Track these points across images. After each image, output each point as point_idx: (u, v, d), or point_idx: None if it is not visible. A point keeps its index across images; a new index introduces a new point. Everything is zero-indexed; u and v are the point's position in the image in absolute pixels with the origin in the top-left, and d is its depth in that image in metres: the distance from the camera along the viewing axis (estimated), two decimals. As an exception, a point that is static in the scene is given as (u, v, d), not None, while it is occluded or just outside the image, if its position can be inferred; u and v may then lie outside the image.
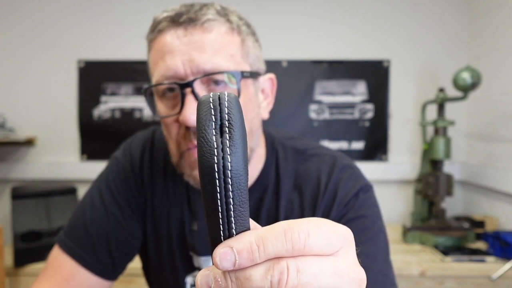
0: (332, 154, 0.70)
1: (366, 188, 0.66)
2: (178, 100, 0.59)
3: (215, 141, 0.23)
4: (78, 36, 1.82)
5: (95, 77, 1.82)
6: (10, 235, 1.44)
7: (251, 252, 0.23)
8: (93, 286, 0.68)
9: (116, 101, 1.82)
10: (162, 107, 0.63)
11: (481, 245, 1.47)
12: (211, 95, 0.24)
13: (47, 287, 0.66)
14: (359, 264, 0.27)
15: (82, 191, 1.56)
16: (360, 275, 0.26)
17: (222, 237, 0.24)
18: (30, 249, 1.39)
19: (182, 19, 0.58)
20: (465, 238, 1.47)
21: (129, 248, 0.72)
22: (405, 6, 1.83)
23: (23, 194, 1.44)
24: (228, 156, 0.23)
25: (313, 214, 0.65)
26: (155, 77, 0.61)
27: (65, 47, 1.82)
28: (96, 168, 0.83)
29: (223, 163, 0.23)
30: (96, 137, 1.83)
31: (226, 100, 0.24)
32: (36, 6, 1.81)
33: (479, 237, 1.51)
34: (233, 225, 0.24)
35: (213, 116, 0.24)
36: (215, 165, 0.23)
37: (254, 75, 0.62)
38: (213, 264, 0.24)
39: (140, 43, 0.66)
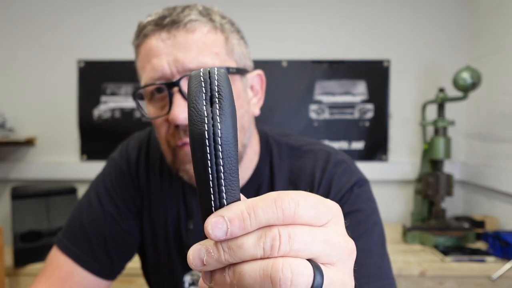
0: (327, 150, 0.70)
1: (360, 183, 0.66)
2: (167, 100, 0.60)
3: (205, 111, 0.24)
4: (78, 36, 1.82)
5: (95, 77, 1.82)
6: (10, 235, 1.44)
7: (242, 220, 0.23)
8: (92, 286, 0.69)
9: (116, 101, 1.82)
10: (151, 109, 0.64)
11: (481, 245, 1.47)
12: (202, 70, 0.25)
13: (46, 287, 0.66)
14: (348, 236, 0.27)
15: (82, 191, 1.56)
16: (350, 245, 0.26)
17: (213, 207, 0.24)
18: (30, 249, 1.39)
19: (165, 22, 0.59)
20: (465, 238, 1.47)
21: (127, 247, 0.72)
22: (405, 6, 1.83)
23: (23, 194, 1.44)
24: (218, 124, 0.24)
25: None
26: (144, 80, 0.62)
27: (65, 47, 1.82)
28: (96, 168, 0.83)
29: (213, 130, 0.23)
30: (96, 137, 1.83)
31: (216, 73, 0.25)
32: (36, 6, 1.81)
33: (479, 237, 1.51)
34: (223, 194, 0.24)
35: (203, 88, 0.24)
36: (206, 132, 0.23)
37: (240, 71, 0.63)
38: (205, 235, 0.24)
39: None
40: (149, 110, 0.64)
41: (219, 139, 0.24)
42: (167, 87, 0.59)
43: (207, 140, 0.23)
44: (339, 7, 1.83)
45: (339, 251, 0.25)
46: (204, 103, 0.24)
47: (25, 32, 1.82)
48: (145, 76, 0.61)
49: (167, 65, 0.58)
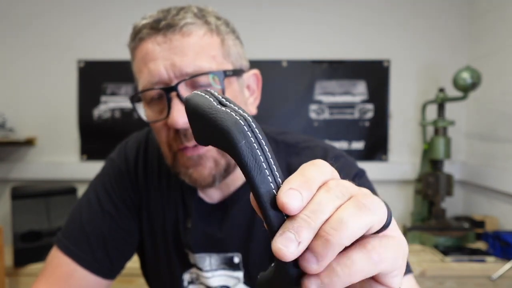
0: (323, 146, 0.71)
1: (360, 174, 0.68)
2: (165, 104, 0.60)
3: (226, 108, 0.25)
4: (78, 36, 1.82)
5: (95, 77, 1.82)
6: (10, 235, 1.44)
7: (306, 184, 0.25)
8: (92, 285, 0.69)
9: (116, 101, 1.82)
10: (150, 113, 0.64)
11: (481, 245, 1.47)
12: (194, 92, 0.26)
13: (46, 287, 0.66)
14: None
15: (82, 191, 1.55)
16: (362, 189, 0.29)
17: (274, 189, 0.24)
18: (30, 249, 1.40)
19: (161, 26, 0.58)
20: (465, 238, 1.47)
21: (126, 246, 0.72)
22: (405, 6, 1.83)
23: (23, 194, 1.44)
24: (242, 111, 0.25)
25: None
26: (141, 84, 0.62)
27: (65, 47, 1.82)
28: (96, 168, 0.83)
29: (244, 117, 0.24)
30: (96, 137, 1.83)
31: (209, 89, 0.27)
32: (36, 6, 1.81)
33: (479, 237, 1.51)
34: (276, 172, 0.25)
35: (210, 98, 0.25)
36: (240, 120, 0.24)
37: (237, 72, 0.63)
38: (269, 218, 0.25)
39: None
40: (147, 113, 0.65)
41: (252, 123, 0.24)
42: (165, 92, 0.59)
43: (244, 126, 0.24)
44: (339, 7, 1.83)
45: (365, 190, 0.28)
46: (220, 106, 0.25)
47: (25, 32, 1.82)
48: (143, 80, 0.61)
49: (164, 69, 0.58)
